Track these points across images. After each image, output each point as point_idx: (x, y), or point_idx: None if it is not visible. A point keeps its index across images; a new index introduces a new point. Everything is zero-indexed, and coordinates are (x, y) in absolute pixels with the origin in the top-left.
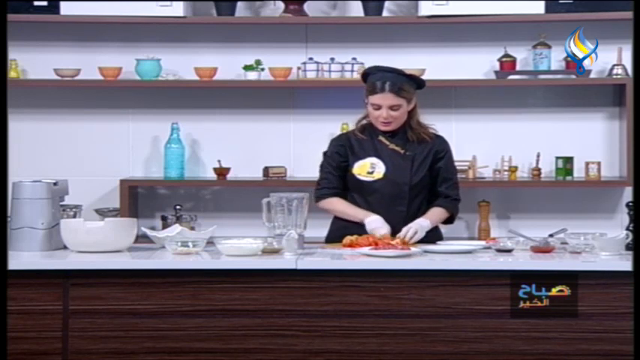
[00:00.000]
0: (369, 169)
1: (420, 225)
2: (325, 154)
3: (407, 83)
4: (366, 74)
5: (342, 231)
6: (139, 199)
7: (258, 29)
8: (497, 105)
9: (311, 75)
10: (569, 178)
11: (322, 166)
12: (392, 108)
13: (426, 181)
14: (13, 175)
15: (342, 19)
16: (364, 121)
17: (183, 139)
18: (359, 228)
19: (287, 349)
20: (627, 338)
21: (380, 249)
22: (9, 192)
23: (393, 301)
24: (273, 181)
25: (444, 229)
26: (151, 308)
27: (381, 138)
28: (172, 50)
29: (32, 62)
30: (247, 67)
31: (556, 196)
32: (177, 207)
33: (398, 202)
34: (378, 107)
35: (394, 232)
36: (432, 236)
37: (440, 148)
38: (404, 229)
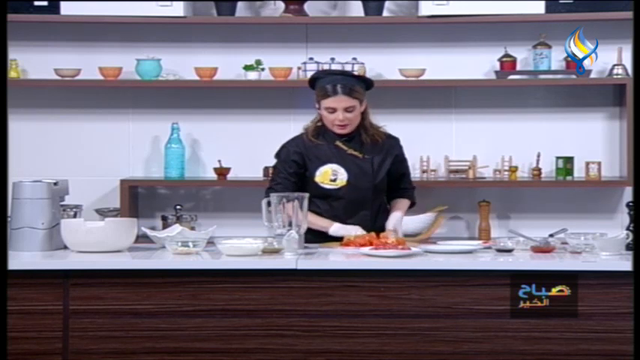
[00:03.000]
0: (331, 176)
1: (397, 220)
2: (279, 157)
3: (357, 84)
4: (314, 79)
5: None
6: (139, 199)
7: (259, 29)
8: (498, 105)
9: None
10: (569, 178)
11: (277, 171)
12: (347, 110)
13: (385, 182)
14: (13, 175)
15: (342, 19)
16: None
17: (184, 139)
18: None
19: (287, 349)
20: (627, 338)
21: (380, 249)
22: (9, 192)
23: (393, 301)
24: None
25: (445, 229)
26: (150, 308)
27: (339, 143)
28: (172, 50)
29: (32, 62)
30: (247, 67)
31: (556, 196)
32: (178, 207)
33: (362, 207)
34: (333, 110)
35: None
36: None
37: (399, 152)
38: (391, 233)
